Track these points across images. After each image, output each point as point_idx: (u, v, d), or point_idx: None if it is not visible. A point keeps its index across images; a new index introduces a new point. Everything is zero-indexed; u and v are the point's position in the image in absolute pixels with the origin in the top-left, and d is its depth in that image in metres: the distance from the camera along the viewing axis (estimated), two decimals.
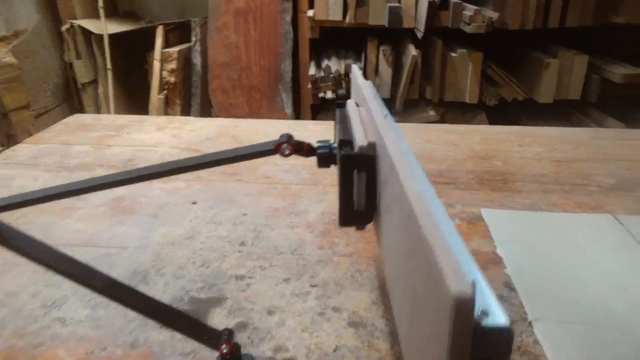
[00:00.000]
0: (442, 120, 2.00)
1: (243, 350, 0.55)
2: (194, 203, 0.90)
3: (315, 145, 0.44)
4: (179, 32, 2.30)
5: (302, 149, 0.43)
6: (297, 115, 2.05)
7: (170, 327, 0.48)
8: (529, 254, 0.72)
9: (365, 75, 1.94)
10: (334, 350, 0.55)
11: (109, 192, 0.95)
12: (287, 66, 1.97)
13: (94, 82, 2.34)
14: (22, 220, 0.84)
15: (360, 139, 0.37)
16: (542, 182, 0.98)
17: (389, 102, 1.97)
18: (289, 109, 2.01)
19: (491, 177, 1.00)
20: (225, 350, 0.49)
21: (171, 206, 0.89)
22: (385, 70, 1.85)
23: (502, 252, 0.72)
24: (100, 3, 2.17)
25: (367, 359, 0.53)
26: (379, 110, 0.42)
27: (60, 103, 2.36)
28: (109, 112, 2.20)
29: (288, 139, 0.42)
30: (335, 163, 0.42)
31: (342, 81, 1.85)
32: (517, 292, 0.64)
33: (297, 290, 0.65)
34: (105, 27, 2.18)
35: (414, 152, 0.46)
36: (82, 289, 0.64)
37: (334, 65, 1.89)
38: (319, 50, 2.08)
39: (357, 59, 1.94)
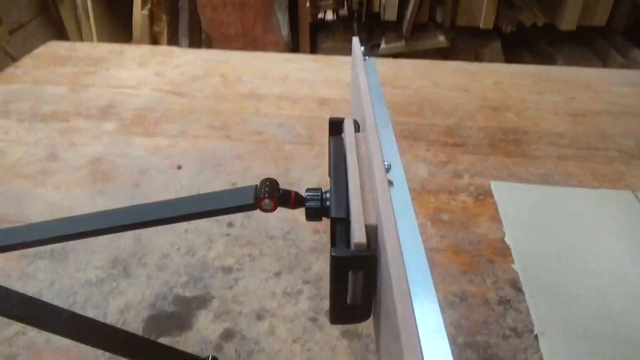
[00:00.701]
0: (452, 47, 1.84)
1: None
2: (179, 168, 0.83)
3: (305, 195, 0.36)
4: None
5: (287, 201, 0.36)
6: (295, 36, 1.88)
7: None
8: (540, 244, 0.67)
9: None
10: None
11: (87, 151, 0.87)
12: None
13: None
14: None
15: (356, 226, 0.29)
16: (558, 145, 0.90)
17: (395, 25, 1.80)
18: (285, 30, 1.84)
19: (504, 137, 0.92)
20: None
21: (154, 172, 0.82)
22: None
23: (511, 240, 0.67)
24: None
25: None
26: (379, 159, 0.34)
27: (36, 16, 2.16)
28: (89, 30, 2.02)
29: (269, 192, 0.34)
30: (327, 216, 0.35)
31: (344, 0, 1.67)
32: (524, 295, 0.59)
33: (288, 287, 0.61)
34: None
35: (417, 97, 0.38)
36: (59, 284, 0.60)
37: None
38: None
39: None
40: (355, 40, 0.54)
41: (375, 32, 1.86)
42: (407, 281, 0.26)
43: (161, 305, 0.58)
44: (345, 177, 0.35)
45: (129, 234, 0.69)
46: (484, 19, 1.72)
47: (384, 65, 1.22)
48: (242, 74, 1.16)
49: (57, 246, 0.67)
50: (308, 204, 0.35)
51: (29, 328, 0.56)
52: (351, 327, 0.56)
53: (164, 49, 1.34)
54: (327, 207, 0.35)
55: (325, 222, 0.71)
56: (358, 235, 0.29)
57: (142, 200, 0.75)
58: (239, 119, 0.97)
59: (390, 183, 0.36)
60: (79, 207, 0.74)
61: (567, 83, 1.12)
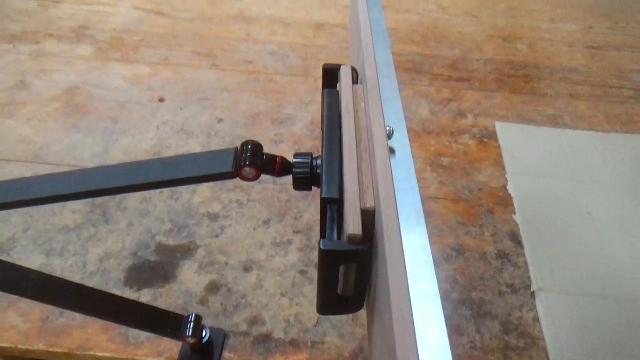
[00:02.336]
0: None
1: (215, 320, 0.50)
2: (161, 100, 0.77)
3: (292, 160, 0.31)
4: None
5: (272, 168, 0.30)
6: None
7: (124, 323, 0.42)
8: (543, 193, 0.63)
9: None
10: (315, 325, 0.50)
11: (60, 79, 0.80)
12: None
13: None
14: None
15: (350, 211, 0.25)
16: (570, 81, 0.83)
17: None
18: None
19: (513, 72, 0.85)
20: (191, 341, 0.44)
21: (133, 105, 0.76)
22: None
23: (513, 189, 0.63)
24: None
25: (350, 337, 0.49)
26: (381, 127, 0.28)
27: None
28: None
29: (250, 159, 0.29)
30: (318, 185, 0.30)
31: None
32: (523, 249, 0.57)
33: (278, 237, 0.58)
34: None
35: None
36: (34, 229, 0.57)
37: None
38: None
39: None
40: None
41: None
42: (407, 279, 0.22)
43: (143, 254, 0.55)
44: (339, 146, 0.30)
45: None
46: None
47: None
48: None
49: None
50: (296, 170, 0.30)
51: None
52: None
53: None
54: (318, 176, 0.30)
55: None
56: (352, 226, 0.25)
57: (119, 136, 0.70)
58: (227, 45, 0.89)
59: (392, 151, 0.31)
60: (53, 144, 0.68)
61: (586, 9, 1.03)
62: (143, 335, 0.48)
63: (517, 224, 0.60)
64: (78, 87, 0.78)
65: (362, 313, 0.50)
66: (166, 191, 0.63)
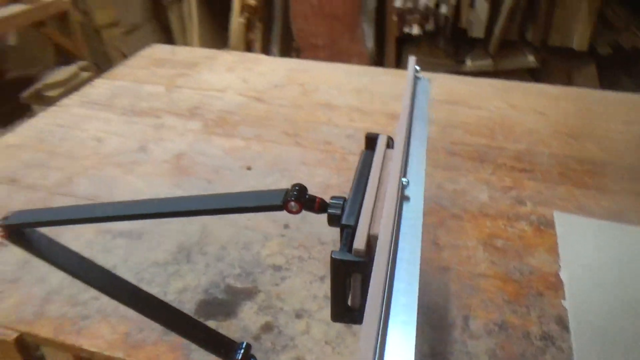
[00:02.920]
0: (542, 68, 1.76)
1: (264, 356, 0.55)
2: (249, 169, 0.90)
3: (329, 201, 0.39)
4: None
5: (312, 206, 0.39)
6: (381, 48, 1.90)
7: (188, 338, 0.49)
8: (598, 286, 0.63)
9: (458, 9, 1.72)
10: None
11: (172, 146, 0.97)
12: None
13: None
14: (92, 172, 0.89)
15: (360, 233, 0.32)
16: (638, 181, 0.84)
17: (482, 42, 1.76)
18: (370, 42, 1.87)
19: (577, 166, 0.88)
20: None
21: (226, 170, 0.89)
22: (482, 4, 1.61)
23: (566, 276, 0.65)
24: None
25: None
26: (396, 174, 0.35)
27: (148, 20, 2.39)
28: (192, 34, 2.20)
29: (296, 196, 0.37)
30: None
31: (431, 15, 1.67)
32: (569, 334, 0.57)
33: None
34: None
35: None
36: (131, 261, 0.68)
37: None
38: None
39: None
40: (411, 59, 0.56)
41: (461, 49, 1.84)
42: (385, 289, 0.28)
43: (214, 292, 0.64)
44: (364, 189, 0.37)
45: (197, 223, 0.76)
46: (578, 40, 1.62)
47: (462, 83, 1.21)
48: (321, 84, 1.21)
49: (135, 228, 0.75)
50: (330, 210, 0.38)
51: (102, 295, 0.64)
52: None
53: (251, 56, 1.44)
54: None
55: None
56: (358, 242, 0.31)
57: None
58: (311, 128, 1.02)
59: (407, 198, 0.37)
60: (158, 196, 0.82)
61: None
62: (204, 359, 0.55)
63: (566, 310, 0.60)
64: (185, 153, 0.94)
65: None
66: (240, 242, 0.72)
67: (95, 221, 0.46)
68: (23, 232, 0.44)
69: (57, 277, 0.67)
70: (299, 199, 0.38)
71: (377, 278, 0.28)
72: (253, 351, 0.52)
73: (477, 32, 1.71)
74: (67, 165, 0.91)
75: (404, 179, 0.37)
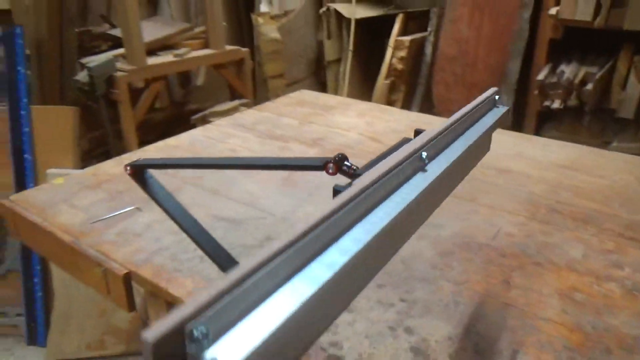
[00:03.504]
0: None
1: None
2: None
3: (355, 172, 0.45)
4: (420, 21, 2.34)
5: (348, 171, 0.45)
6: (520, 121, 1.87)
7: None
8: None
9: (609, 86, 1.63)
10: None
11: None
12: (514, 66, 1.81)
13: (338, 60, 2.60)
14: (220, 173, 1.05)
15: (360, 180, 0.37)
16: None
17: (632, 124, 1.62)
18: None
19: None
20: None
21: (324, 188, 0.98)
22: (634, 86, 1.50)
23: None
24: None
25: None
26: (415, 146, 0.40)
27: (308, 76, 2.71)
28: (343, 90, 2.43)
29: (336, 161, 0.44)
30: None
31: (574, 90, 1.60)
32: None
33: (385, 299, 0.67)
34: (354, 11, 2.39)
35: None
36: (225, 240, 0.80)
37: (571, 70, 1.64)
38: (562, 52, 1.82)
39: (603, 67, 1.63)
40: (491, 90, 0.60)
41: (608, 128, 1.71)
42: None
43: None
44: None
45: (287, 223, 0.85)
46: None
47: (591, 154, 1.15)
48: None
49: (237, 217, 0.88)
50: (336, 187, 0.43)
51: (196, 258, 0.76)
52: (422, 344, 0.58)
53: (384, 107, 1.55)
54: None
55: (446, 261, 0.73)
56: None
57: (307, 205, 0.92)
58: None
59: (423, 169, 0.41)
60: (264, 198, 0.95)
61: None
62: None
63: None
64: (297, 172, 1.06)
65: None
66: None
67: (194, 167, 0.59)
68: (144, 174, 0.58)
69: (167, 240, 0.81)
70: (337, 163, 0.44)
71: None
72: None
73: (627, 113, 1.58)
74: None
75: (424, 152, 0.41)
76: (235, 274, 0.24)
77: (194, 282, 0.70)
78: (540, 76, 1.70)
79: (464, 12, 1.87)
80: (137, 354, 1.58)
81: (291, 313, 0.23)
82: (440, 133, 0.45)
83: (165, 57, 1.94)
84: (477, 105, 0.53)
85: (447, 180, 0.47)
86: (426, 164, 0.42)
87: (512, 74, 1.82)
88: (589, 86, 1.54)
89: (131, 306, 0.80)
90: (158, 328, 0.20)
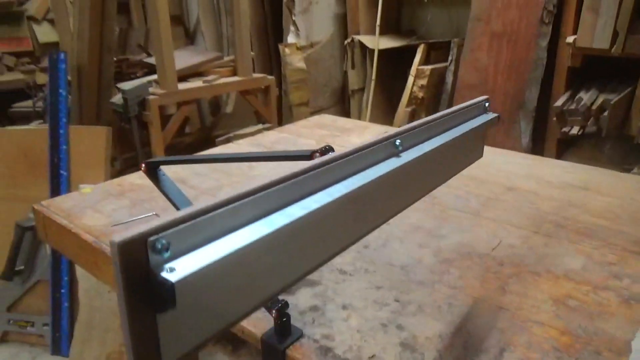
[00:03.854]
0: None
1: (304, 328, 0.63)
2: None
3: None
4: (441, 52, 2.39)
5: None
6: (540, 148, 1.86)
7: None
8: None
9: (629, 113, 1.62)
10: (369, 358, 0.57)
11: None
12: (532, 94, 1.82)
13: (362, 89, 2.67)
14: (237, 185, 1.11)
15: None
16: None
17: None
18: (525, 139, 1.86)
19: None
20: (274, 315, 0.59)
21: None
22: None
23: (637, 347, 0.58)
24: (377, 22, 2.47)
25: None
26: (389, 133, 0.43)
27: (333, 105, 2.79)
28: (365, 117, 2.49)
29: (322, 151, 0.48)
30: None
31: (592, 117, 1.60)
32: None
33: (381, 299, 0.69)
34: (377, 42, 2.47)
35: None
36: None
37: (589, 97, 1.64)
38: (583, 80, 1.83)
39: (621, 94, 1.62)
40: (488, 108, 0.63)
41: (629, 155, 1.68)
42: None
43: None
44: None
45: None
46: None
47: (604, 175, 1.15)
48: None
49: None
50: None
51: None
52: (411, 340, 0.60)
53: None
54: None
55: (445, 267, 0.74)
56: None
57: None
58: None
59: (397, 155, 0.44)
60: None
61: None
62: None
63: None
64: None
65: None
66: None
67: (197, 162, 0.64)
68: (156, 170, 0.64)
69: None
70: (323, 153, 0.48)
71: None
72: (298, 322, 0.61)
73: None
74: (221, 177, 1.16)
75: (397, 140, 0.44)
76: (200, 205, 0.28)
77: None
78: (559, 102, 1.71)
79: (483, 42, 1.91)
80: None
81: (244, 245, 0.27)
82: (417, 126, 0.48)
83: (195, 83, 2.06)
84: (464, 108, 0.57)
85: (423, 171, 0.50)
86: (400, 151, 0.45)
87: (530, 102, 1.83)
88: (606, 112, 1.53)
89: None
90: (125, 235, 0.24)
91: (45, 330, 1.80)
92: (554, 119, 1.71)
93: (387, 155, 0.43)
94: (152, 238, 0.25)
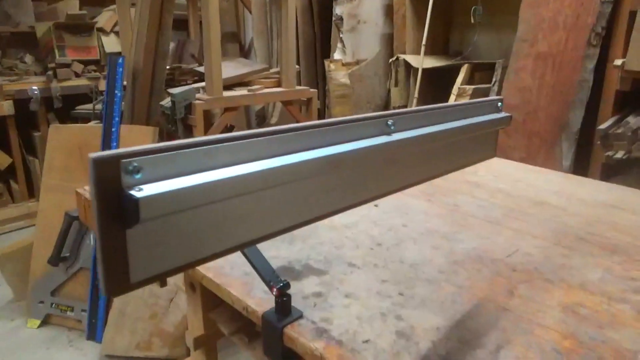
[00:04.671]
0: None
1: (304, 311, 0.65)
2: (376, 205, 1.02)
3: None
4: (487, 73, 2.37)
5: None
6: (583, 172, 1.79)
7: (251, 264, 0.64)
8: None
9: None
10: (364, 342, 0.58)
11: None
12: (576, 116, 1.76)
13: (404, 107, 2.68)
14: None
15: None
16: None
17: None
18: (567, 162, 1.79)
19: None
20: (275, 293, 0.61)
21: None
22: None
23: None
24: (424, 41, 2.49)
25: None
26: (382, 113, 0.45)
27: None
28: None
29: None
30: None
31: (638, 141, 1.53)
32: None
33: (384, 291, 0.69)
34: (422, 61, 2.48)
35: None
36: None
37: (636, 122, 1.57)
38: (633, 106, 1.76)
39: None
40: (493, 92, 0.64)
41: None
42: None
43: (293, 264, 0.77)
44: None
45: (312, 226, 0.91)
46: None
47: (639, 196, 1.10)
48: (481, 169, 1.27)
49: None
50: None
51: None
52: (407, 330, 0.61)
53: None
54: None
55: (454, 268, 0.73)
56: None
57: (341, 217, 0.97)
58: (448, 193, 1.09)
59: (389, 134, 0.46)
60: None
61: None
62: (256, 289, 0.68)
63: None
64: None
65: (405, 355, 0.56)
66: (335, 243, 0.84)
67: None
68: None
69: None
70: None
71: None
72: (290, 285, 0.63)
73: None
74: None
75: (390, 120, 0.46)
76: (178, 142, 0.31)
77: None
78: (604, 125, 1.65)
79: (527, 63, 1.88)
80: (179, 359, 1.66)
81: (213, 180, 0.29)
82: (413, 111, 0.50)
83: (240, 92, 2.14)
84: (472, 103, 0.58)
85: (418, 156, 0.51)
86: (392, 131, 0.47)
87: (573, 124, 1.77)
88: None
89: (163, 281, 0.89)
90: (101, 154, 0.27)
91: (83, 316, 1.89)
92: (598, 142, 1.65)
93: (378, 133, 0.45)
94: (125, 160, 0.28)
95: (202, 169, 0.31)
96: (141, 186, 0.29)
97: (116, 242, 0.29)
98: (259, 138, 0.35)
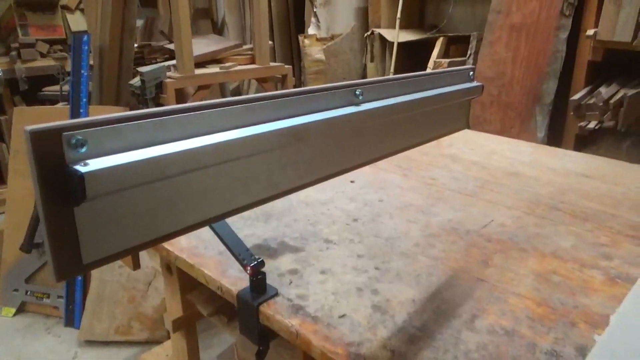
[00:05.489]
0: None
1: (280, 288, 0.64)
2: (352, 182, 1.01)
3: None
4: (462, 46, 2.36)
5: None
6: (557, 143, 1.82)
7: (223, 241, 0.62)
8: None
9: None
10: (339, 317, 0.58)
11: None
12: (549, 87, 1.78)
13: None
14: None
15: None
16: None
17: None
18: (541, 133, 1.82)
19: None
20: (249, 272, 0.60)
21: (334, 181, 1.02)
22: None
23: (615, 322, 0.57)
24: (398, 15, 2.46)
25: (358, 336, 0.55)
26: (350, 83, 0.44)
27: None
28: None
29: None
30: None
31: (609, 111, 1.55)
32: None
33: (360, 266, 0.69)
34: (397, 35, 2.45)
35: None
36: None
37: (608, 91, 1.60)
38: (604, 76, 1.78)
39: None
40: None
41: None
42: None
43: (268, 242, 0.76)
44: None
45: (287, 201, 0.90)
46: None
47: (613, 166, 1.12)
48: (460, 143, 1.28)
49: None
50: None
51: None
52: (384, 303, 0.61)
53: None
54: None
55: (430, 242, 0.72)
56: None
57: (316, 193, 0.96)
58: (425, 168, 1.09)
59: (357, 104, 0.45)
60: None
61: None
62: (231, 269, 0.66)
63: (594, 342, 0.53)
64: None
65: (381, 330, 0.56)
66: (312, 220, 0.83)
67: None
68: None
69: None
70: None
71: None
72: (264, 263, 0.62)
73: None
74: None
75: (358, 89, 0.45)
76: (125, 114, 0.29)
77: (189, 240, 0.76)
78: (576, 96, 1.66)
79: (502, 35, 1.88)
80: (160, 341, 1.65)
81: (165, 154, 0.28)
82: (382, 80, 0.49)
83: (212, 69, 2.09)
84: (442, 72, 0.56)
85: (388, 127, 0.50)
86: (361, 101, 0.46)
87: (547, 95, 1.79)
88: (625, 107, 1.49)
89: (135, 264, 0.87)
90: (40, 126, 0.25)
91: (60, 303, 1.86)
92: (571, 113, 1.68)
93: (346, 103, 0.44)
94: (67, 133, 0.26)
95: (153, 142, 0.30)
96: (87, 161, 0.27)
97: (64, 222, 0.27)
98: (215, 109, 0.33)
